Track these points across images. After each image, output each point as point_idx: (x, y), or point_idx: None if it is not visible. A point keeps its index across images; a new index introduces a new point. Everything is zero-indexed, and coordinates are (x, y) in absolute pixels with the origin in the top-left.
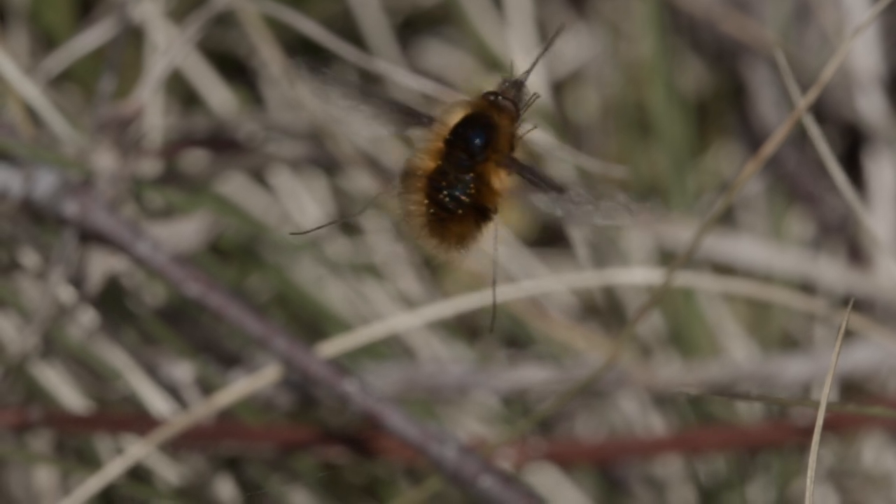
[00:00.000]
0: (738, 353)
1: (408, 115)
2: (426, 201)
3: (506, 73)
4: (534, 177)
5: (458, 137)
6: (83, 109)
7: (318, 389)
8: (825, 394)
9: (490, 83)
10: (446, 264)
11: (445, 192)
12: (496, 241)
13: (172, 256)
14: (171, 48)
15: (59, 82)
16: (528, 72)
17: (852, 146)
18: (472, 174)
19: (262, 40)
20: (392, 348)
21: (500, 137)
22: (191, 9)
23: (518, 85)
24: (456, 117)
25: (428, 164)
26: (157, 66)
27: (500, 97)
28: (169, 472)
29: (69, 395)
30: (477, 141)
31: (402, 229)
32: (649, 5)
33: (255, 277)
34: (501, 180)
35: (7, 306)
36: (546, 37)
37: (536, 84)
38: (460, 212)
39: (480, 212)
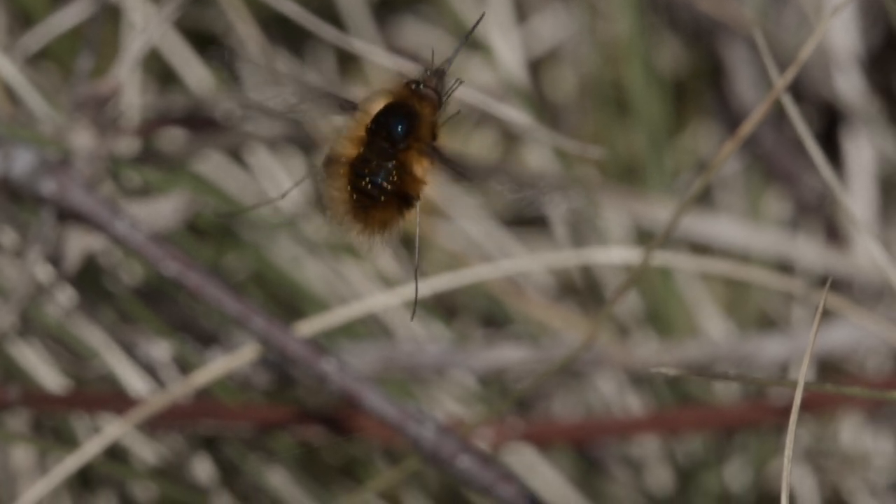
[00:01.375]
0: (715, 333)
1: (330, 102)
2: (349, 188)
3: (439, 61)
4: (455, 165)
5: (380, 125)
6: (61, 88)
7: (296, 369)
8: (802, 373)
9: (412, 72)
10: (427, 242)
11: (368, 180)
12: (418, 227)
13: (150, 235)
14: (148, 26)
15: (37, 60)
16: (449, 60)
17: (830, 125)
18: (394, 162)
19: (239, 18)
20: (369, 328)
21: (421, 126)
22: None
23: (439, 74)
24: (378, 105)
25: (350, 151)
26: (134, 45)
27: (421, 86)
28: (146, 451)
29: (47, 374)
30: (399, 129)
31: (326, 215)
32: None
33: (233, 256)
34: (423, 168)
35: None
36: (523, 15)
37: (515, 62)
38: (383, 199)
39: (403, 199)
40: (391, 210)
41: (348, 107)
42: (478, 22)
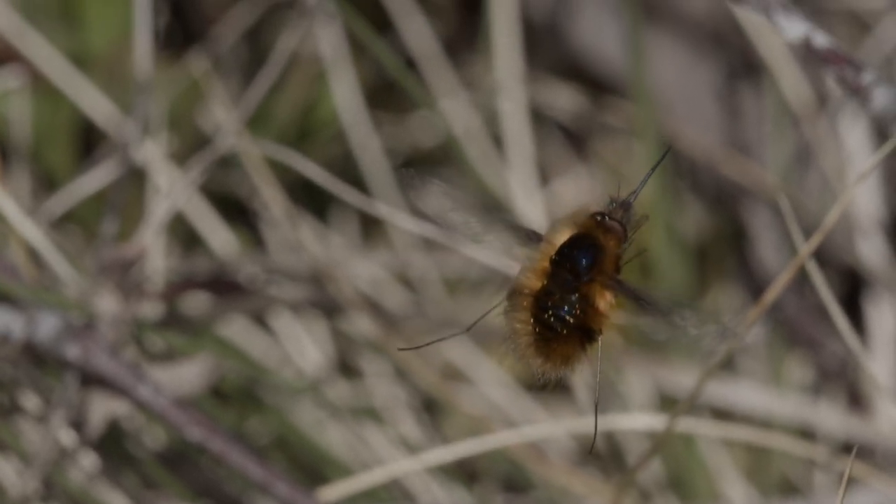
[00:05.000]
0: (737, 500)
1: (516, 233)
2: (532, 321)
3: (613, 193)
4: (640, 299)
5: (565, 257)
6: (85, 251)
7: None
8: None
9: (597, 204)
10: (449, 407)
11: (551, 312)
12: (600, 362)
13: (173, 400)
14: (172, 190)
15: (61, 224)
16: (635, 193)
17: (852, 290)
18: (577, 294)
19: (264, 182)
20: (392, 493)
21: (605, 258)
22: (193, 151)
23: (626, 206)
24: (563, 237)
25: (534, 283)
26: (159, 209)
27: (607, 218)
28: None
29: None
30: (583, 261)
31: (507, 348)
32: (650, 148)
33: (256, 420)
34: (607, 301)
35: (8, 449)
36: (546, 178)
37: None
38: (565, 332)
39: (585, 332)
40: (573, 344)
41: (533, 237)
42: (661, 159)
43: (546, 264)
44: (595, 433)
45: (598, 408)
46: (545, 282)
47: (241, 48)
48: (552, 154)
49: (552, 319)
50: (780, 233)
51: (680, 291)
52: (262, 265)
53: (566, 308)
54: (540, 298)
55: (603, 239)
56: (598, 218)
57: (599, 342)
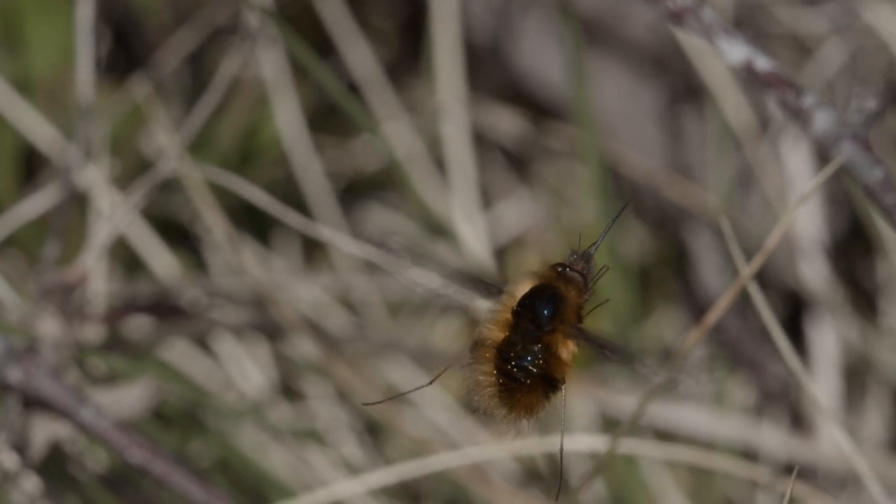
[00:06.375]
0: None
1: (476, 285)
2: (495, 372)
3: (573, 245)
4: (602, 347)
5: (526, 308)
6: (27, 275)
7: None
8: None
9: (558, 256)
10: (391, 429)
11: (514, 363)
12: (564, 411)
13: (116, 423)
14: (115, 214)
15: (3, 248)
16: (595, 244)
17: (794, 312)
18: (540, 345)
19: (206, 206)
20: None
21: (567, 308)
22: (135, 175)
23: (586, 257)
24: (524, 288)
25: (496, 334)
26: (101, 233)
27: (567, 269)
28: None
29: None
30: (544, 312)
31: (468, 400)
32: (592, 171)
33: (198, 443)
34: (569, 351)
35: None
36: (488, 202)
37: (480, 248)
38: (528, 382)
39: (549, 382)
40: (537, 393)
41: (494, 290)
42: (623, 208)
43: (508, 316)
44: (560, 483)
45: (562, 458)
46: (507, 333)
47: (183, 73)
48: (495, 177)
49: (515, 370)
50: (721, 255)
51: (623, 314)
52: (204, 288)
53: (529, 358)
54: (503, 350)
55: (564, 289)
56: (559, 269)
57: (563, 391)
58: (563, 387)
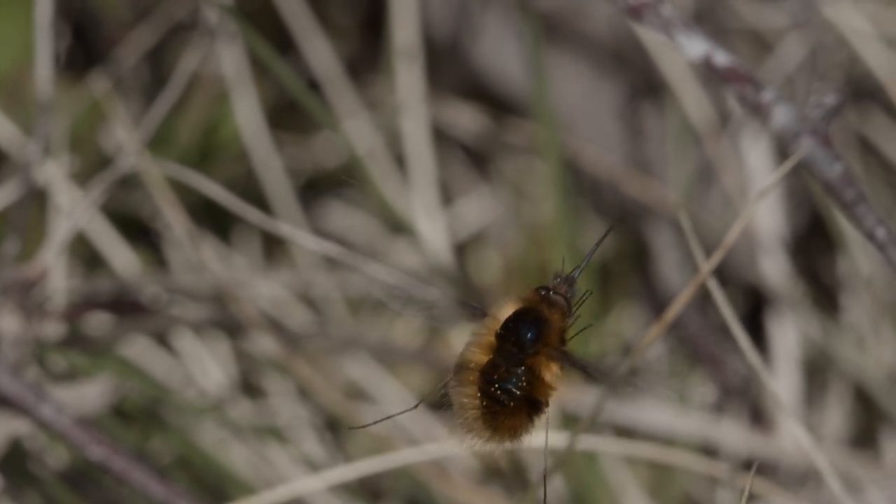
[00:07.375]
0: None
1: (460, 309)
2: (479, 394)
3: (557, 268)
4: (586, 369)
5: (510, 331)
6: None
7: None
8: None
9: (543, 279)
10: (350, 428)
11: (498, 385)
12: (547, 432)
13: (76, 420)
14: (74, 211)
15: None
16: (579, 268)
17: (754, 308)
18: (523, 367)
19: (166, 202)
20: None
21: (550, 331)
22: (95, 171)
23: (570, 281)
24: (507, 311)
25: (480, 357)
26: (60, 229)
27: (551, 292)
28: None
29: None
30: (528, 334)
31: (455, 423)
32: (552, 167)
33: (158, 440)
34: (553, 373)
35: None
36: (449, 198)
37: (440, 244)
38: (512, 404)
39: (532, 404)
40: (521, 416)
41: (478, 313)
42: (603, 238)
43: (491, 339)
44: (545, 500)
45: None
46: (491, 356)
47: (142, 69)
48: (455, 174)
49: (499, 392)
50: (681, 251)
51: (582, 310)
52: (165, 285)
53: (513, 380)
54: (486, 372)
55: (547, 312)
56: (543, 292)
57: (547, 413)
58: (546, 409)
